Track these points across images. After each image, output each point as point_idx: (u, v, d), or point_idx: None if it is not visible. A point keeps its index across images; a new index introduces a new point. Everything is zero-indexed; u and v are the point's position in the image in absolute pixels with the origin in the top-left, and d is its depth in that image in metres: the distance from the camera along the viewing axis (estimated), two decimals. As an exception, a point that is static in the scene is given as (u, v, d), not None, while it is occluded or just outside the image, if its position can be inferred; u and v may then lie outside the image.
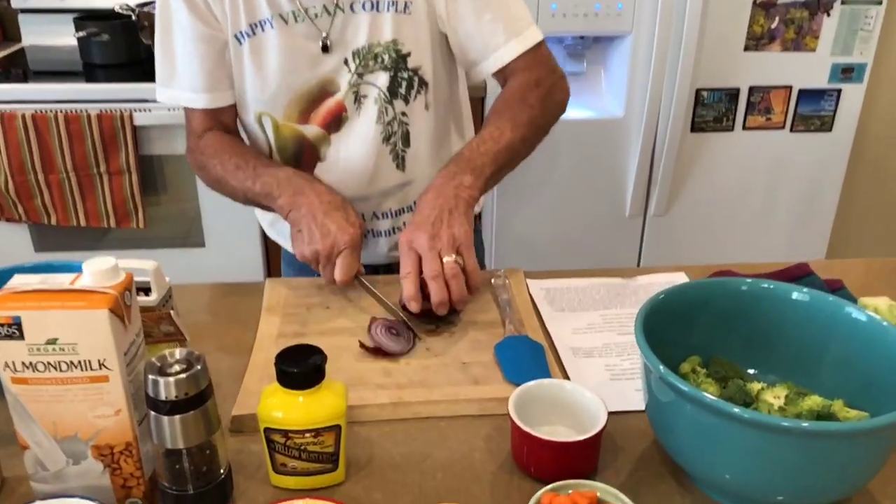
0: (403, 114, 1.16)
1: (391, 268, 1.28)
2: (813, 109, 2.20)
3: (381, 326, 0.98)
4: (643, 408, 0.80)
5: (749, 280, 0.86)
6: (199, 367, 0.68)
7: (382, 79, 1.13)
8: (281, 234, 1.32)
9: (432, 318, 0.99)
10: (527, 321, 1.02)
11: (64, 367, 0.67)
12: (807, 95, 2.18)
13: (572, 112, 2.17)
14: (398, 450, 0.82)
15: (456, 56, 1.18)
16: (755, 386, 0.81)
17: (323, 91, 1.14)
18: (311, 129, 1.16)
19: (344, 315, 1.04)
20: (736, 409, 0.65)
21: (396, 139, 1.18)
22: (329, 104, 1.14)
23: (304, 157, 1.19)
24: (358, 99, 1.14)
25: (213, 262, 2.27)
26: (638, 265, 2.31)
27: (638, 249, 2.29)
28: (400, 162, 1.20)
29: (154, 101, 2.03)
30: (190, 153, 1.22)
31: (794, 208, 2.30)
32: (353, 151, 1.16)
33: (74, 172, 2.07)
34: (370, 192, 1.20)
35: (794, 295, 0.84)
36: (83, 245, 2.22)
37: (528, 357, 0.93)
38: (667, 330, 0.80)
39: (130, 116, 2.02)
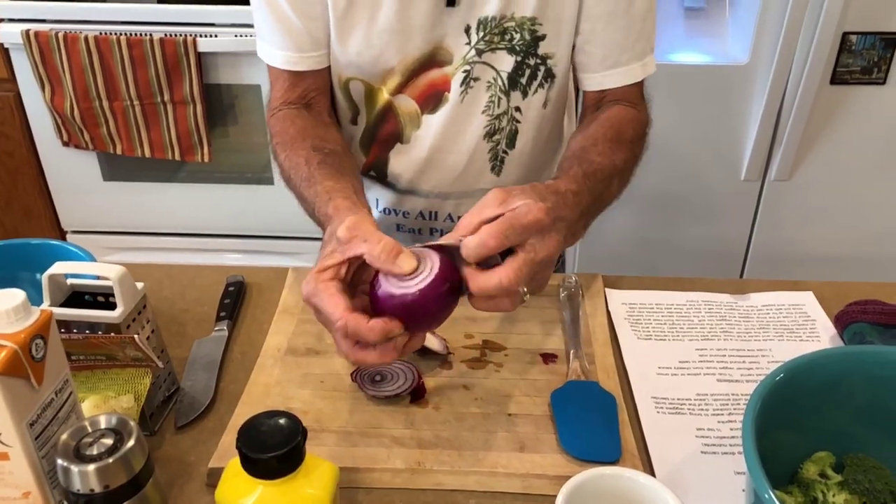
0: (517, 109, 0.93)
1: None
2: None
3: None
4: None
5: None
6: (130, 443, 0.51)
7: (505, 62, 0.89)
8: None
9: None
10: (599, 356, 0.80)
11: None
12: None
13: (686, 56, 1.87)
14: (409, 536, 0.64)
15: None
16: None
17: (430, 59, 0.90)
18: (404, 102, 0.93)
19: (371, 328, 0.85)
20: None
21: (501, 137, 0.94)
22: (432, 76, 0.91)
23: (380, 132, 0.96)
24: (468, 81, 0.90)
25: (282, 201, 2.10)
26: (749, 240, 2.00)
27: (751, 222, 1.98)
28: (497, 164, 0.97)
29: (219, 24, 1.92)
30: (267, 127, 0.97)
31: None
32: (444, 141, 0.94)
33: (138, 100, 1.97)
34: (451, 192, 0.99)
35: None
36: (151, 177, 2.13)
37: (593, 415, 0.72)
38: (787, 412, 0.58)
39: (194, 42, 1.87)
